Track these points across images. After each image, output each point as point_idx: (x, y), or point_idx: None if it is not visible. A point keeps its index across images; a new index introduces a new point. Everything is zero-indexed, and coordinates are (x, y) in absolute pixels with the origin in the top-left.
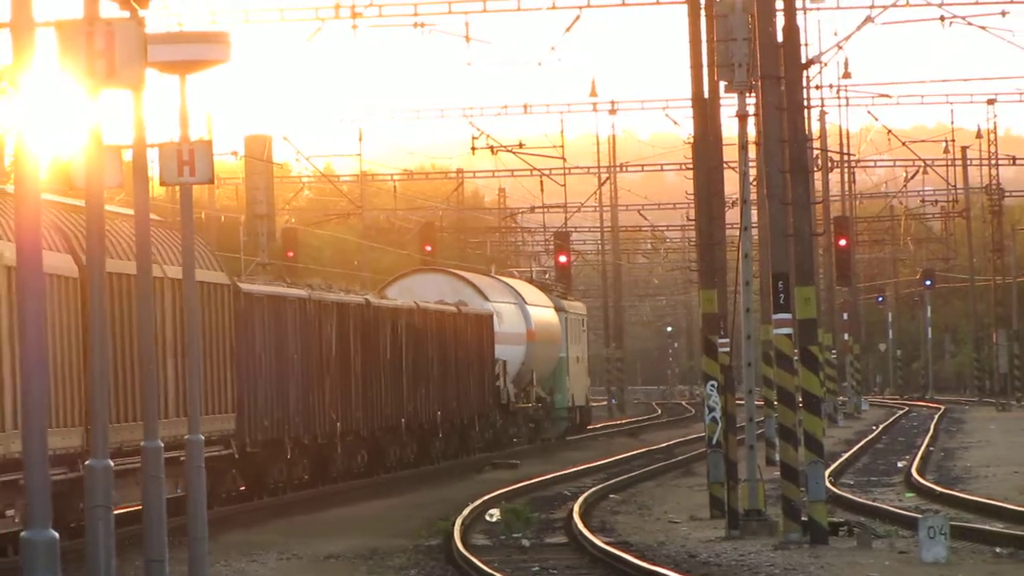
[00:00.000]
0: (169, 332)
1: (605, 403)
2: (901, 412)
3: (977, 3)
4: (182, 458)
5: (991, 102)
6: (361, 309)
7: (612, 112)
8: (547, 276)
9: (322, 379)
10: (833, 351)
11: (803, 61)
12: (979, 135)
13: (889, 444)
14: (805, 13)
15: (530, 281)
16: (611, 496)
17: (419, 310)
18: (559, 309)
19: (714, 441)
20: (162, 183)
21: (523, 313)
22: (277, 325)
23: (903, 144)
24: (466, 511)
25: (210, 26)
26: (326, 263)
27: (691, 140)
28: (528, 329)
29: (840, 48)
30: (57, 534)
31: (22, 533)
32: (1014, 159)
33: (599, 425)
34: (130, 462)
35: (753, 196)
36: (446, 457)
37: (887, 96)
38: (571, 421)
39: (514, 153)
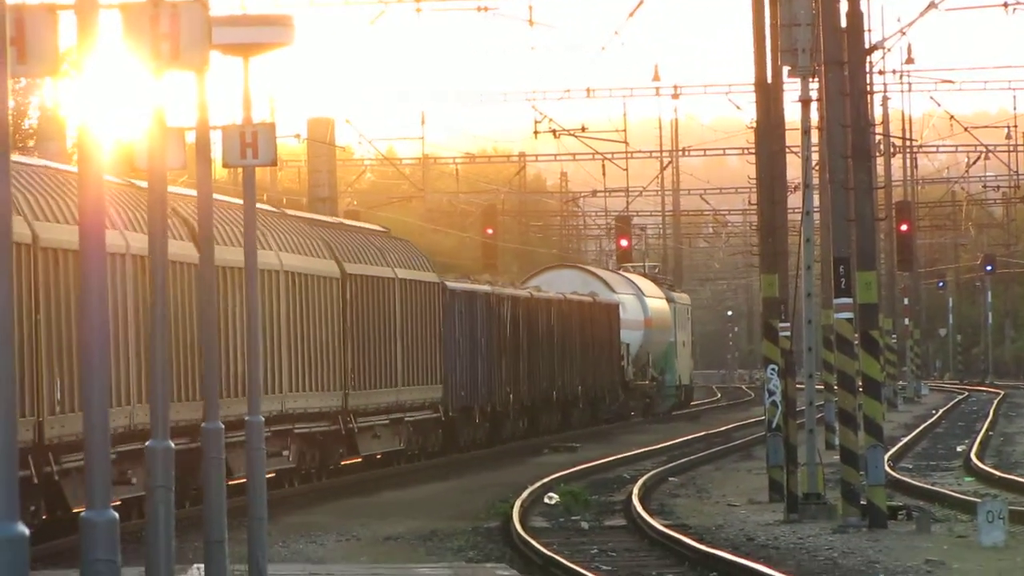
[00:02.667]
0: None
1: None
2: (960, 397)
3: None
4: (292, 430)
5: None
6: (526, 300)
7: (675, 96)
8: (656, 270)
9: (500, 358)
10: (893, 336)
11: (866, 46)
12: None
13: (948, 429)
14: None
15: (644, 275)
16: (670, 479)
17: (566, 300)
18: (669, 300)
19: (774, 425)
20: (225, 165)
21: (641, 303)
22: (470, 314)
23: (965, 130)
24: (525, 493)
25: (274, 9)
26: None
27: (754, 125)
28: (646, 317)
29: (903, 33)
30: (117, 515)
31: (81, 513)
32: None
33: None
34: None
35: (815, 181)
36: (583, 425)
37: (950, 82)
38: (678, 398)
39: (576, 137)
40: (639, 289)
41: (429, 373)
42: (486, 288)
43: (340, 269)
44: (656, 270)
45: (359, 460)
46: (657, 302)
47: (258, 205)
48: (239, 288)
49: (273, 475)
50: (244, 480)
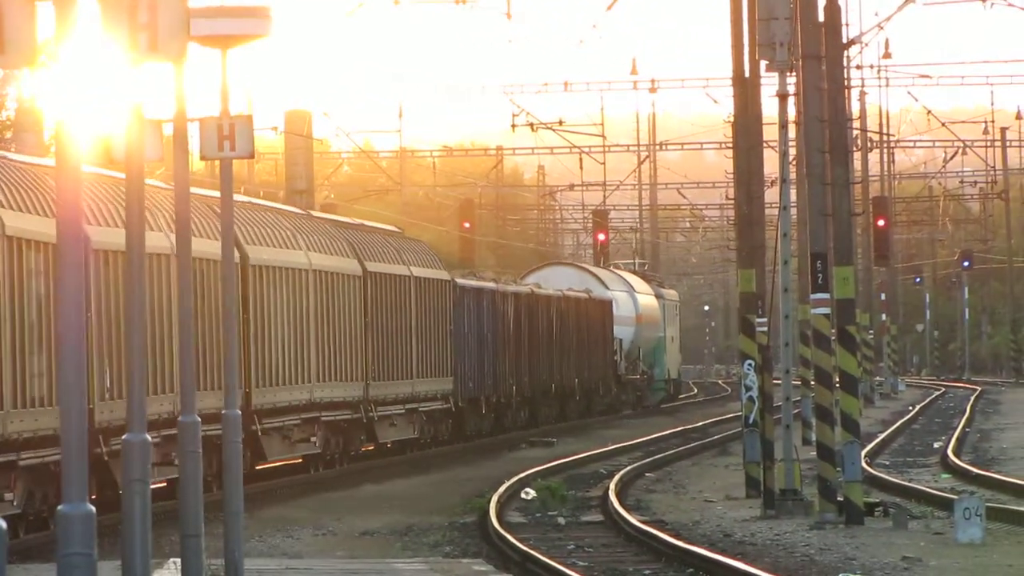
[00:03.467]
0: (414, 318)
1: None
2: (937, 393)
3: None
4: (320, 417)
5: None
6: (527, 297)
7: (652, 90)
8: (646, 267)
9: (504, 352)
10: (870, 331)
11: (844, 41)
12: (1019, 116)
13: (925, 425)
14: None
15: (634, 272)
16: (647, 475)
17: (563, 297)
18: (658, 296)
19: (750, 420)
20: (202, 157)
21: (633, 300)
22: (477, 310)
23: (943, 125)
24: (502, 488)
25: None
26: None
27: (731, 119)
28: (637, 313)
29: (881, 28)
30: (94, 508)
31: (58, 508)
32: None
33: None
34: (284, 420)
35: (793, 176)
36: (579, 416)
37: (927, 77)
38: (667, 391)
39: (554, 130)
40: (630, 286)
41: (441, 366)
42: (491, 285)
43: (362, 267)
44: (645, 267)
45: (371, 448)
46: (647, 299)
47: (288, 208)
48: (271, 285)
49: (301, 460)
50: (277, 463)
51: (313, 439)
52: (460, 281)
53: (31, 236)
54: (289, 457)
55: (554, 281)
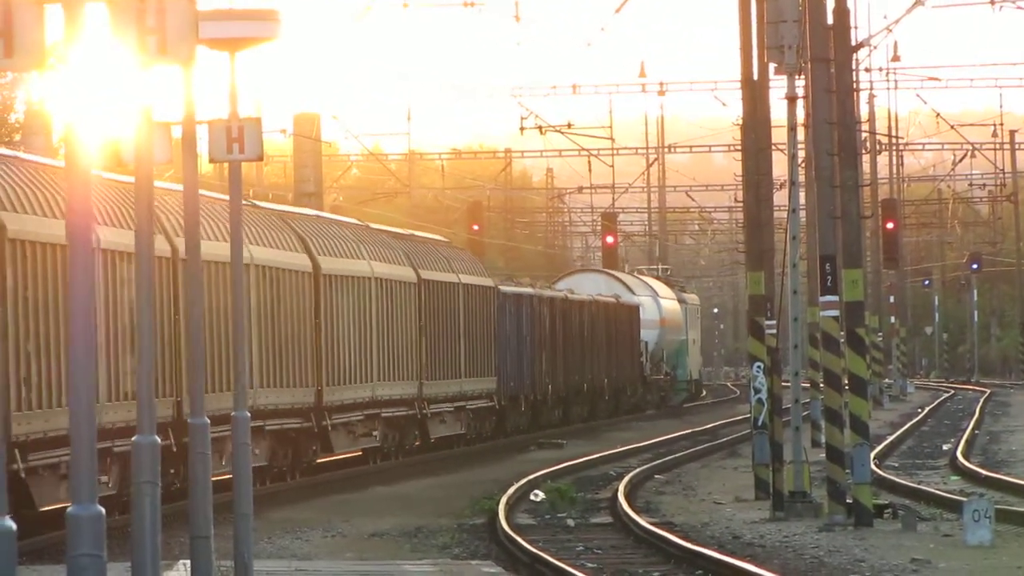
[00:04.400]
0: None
1: None
2: (946, 395)
3: None
4: (380, 414)
5: None
6: (561, 302)
7: (661, 93)
8: (668, 272)
9: (541, 353)
10: (879, 334)
11: (853, 44)
12: None
13: (934, 427)
14: None
15: (657, 277)
16: (656, 477)
17: (594, 302)
18: (681, 301)
19: (760, 423)
20: (211, 160)
21: (657, 304)
22: (517, 314)
23: (951, 127)
24: (511, 490)
25: (260, 4)
26: None
27: (740, 122)
28: (661, 317)
29: (890, 31)
30: (103, 509)
31: (68, 509)
32: None
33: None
34: (349, 416)
35: (801, 178)
36: (607, 415)
37: (936, 79)
38: (689, 391)
39: (562, 133)
40: (654, 291)
41: (485, 366)
42: (530, 291)
43: (417, 275)
44: (668, 272)
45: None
46: (670, 303)
47: (349, 220)
48: (339, 292)
49: (361, 453)
50: (341, 456)
51: (374, 433)
52: (503, 287)
53: (123, 248)
54: (353, 450)
55: (584, 287)
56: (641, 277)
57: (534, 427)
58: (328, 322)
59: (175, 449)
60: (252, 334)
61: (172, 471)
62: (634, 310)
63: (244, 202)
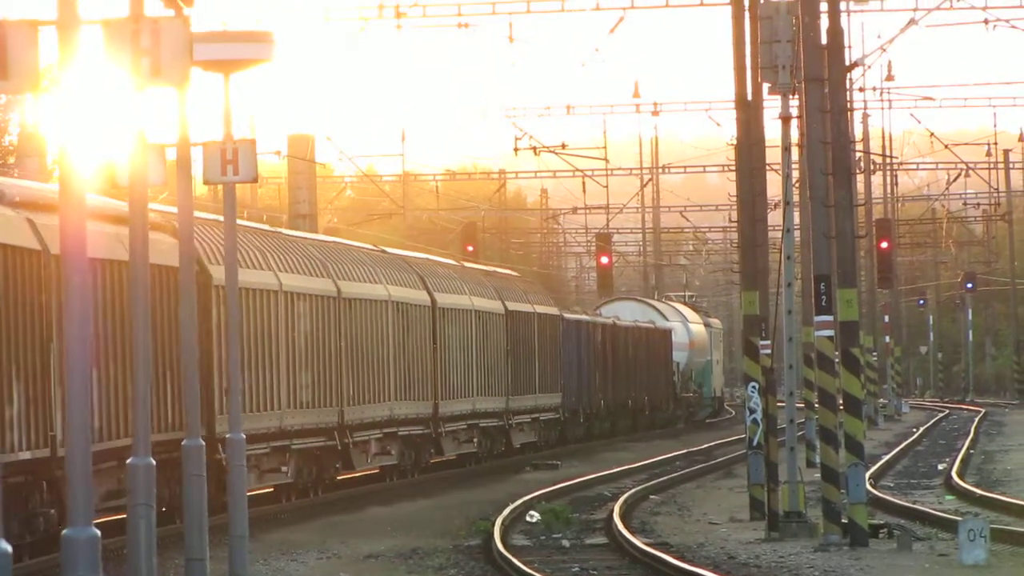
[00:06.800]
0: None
1: None
2: (941, 415)
3: (1021, 6)
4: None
5: None
6: (610, 327)
7: (655, 114)
8: (694, 299)
9: (593, 372)
10: (874, 353)
11: (847, 63)
12: (1022, 138)
13: (929, 447)
14: (849, 15)
15: (685, 303)
16: (651, 497)
17: (635, 327)
18: (707, 325)
19: (754, 443)
20: (205, 182)
21: (687, 329)
22: (576, 338)
23: (945, 147)
24: (506, 511)
25: (254, 26)
26: None
27: (734, 142)
28: (690, 340)
29: (883, 51)
30: (99, 532)
31: (63, 531)
32: None
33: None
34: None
35: (796, 198)
36: (646, 427)
37: (930, 99)
38: (713, 407)
39: (557, 154)
40: (684, 316)
41: (553, 383)
42: (585, 317)
43: (504, 307)
44: (694, 299)
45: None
46: (698, 327)
47: (445, 260)
48: (453, 324)
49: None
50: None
51: (475, 440)
52: (566, 315)
53: (298, 290)
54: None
55: (622, 313)
56: (671, 304)
57: (589, 437)
58: (441, 349)
59: (339, 448)
60: (282, 357)
61: (337, 465)
62: (667, 334)
63: (372, 248)
